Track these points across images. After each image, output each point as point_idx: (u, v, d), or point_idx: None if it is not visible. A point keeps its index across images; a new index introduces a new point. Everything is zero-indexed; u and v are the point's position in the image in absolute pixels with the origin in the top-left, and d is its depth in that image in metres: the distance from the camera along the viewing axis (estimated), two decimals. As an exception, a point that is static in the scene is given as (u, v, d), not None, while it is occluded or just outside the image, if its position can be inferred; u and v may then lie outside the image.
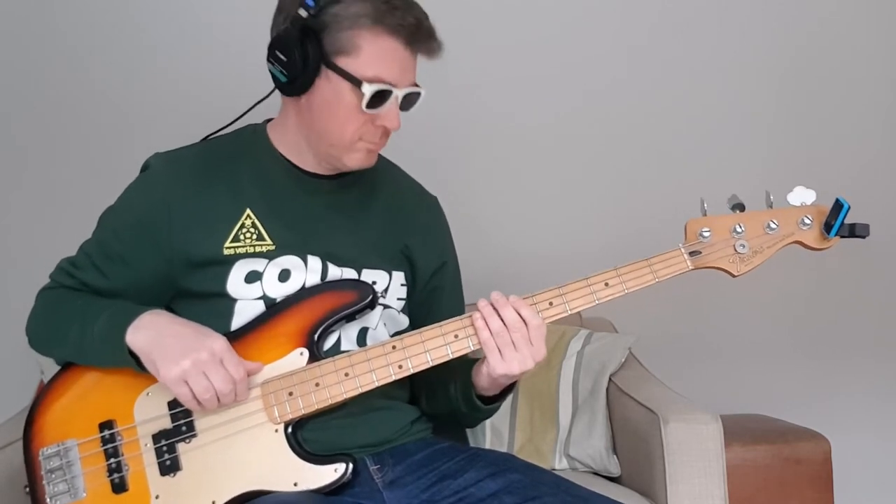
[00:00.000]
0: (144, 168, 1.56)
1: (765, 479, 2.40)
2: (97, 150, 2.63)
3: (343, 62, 1.42)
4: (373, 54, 1.42)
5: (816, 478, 2.43)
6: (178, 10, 2.62)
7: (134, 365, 1.38)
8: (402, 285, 1.61)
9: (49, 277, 1.56)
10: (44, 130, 2.65)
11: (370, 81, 1.41)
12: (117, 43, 2.65)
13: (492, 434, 2.10)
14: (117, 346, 1.37)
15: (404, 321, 1.62)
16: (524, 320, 1.39)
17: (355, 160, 1.49)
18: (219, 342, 1.36)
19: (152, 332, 1.37)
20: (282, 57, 1.44)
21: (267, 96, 1.56)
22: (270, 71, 1.48)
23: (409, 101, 1.48)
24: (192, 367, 1.33)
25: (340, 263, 1.52)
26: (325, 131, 1.48)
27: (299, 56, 1.42)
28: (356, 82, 1.41)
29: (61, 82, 2.64)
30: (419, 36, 1.44)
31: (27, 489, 1.41)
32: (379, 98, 1.43)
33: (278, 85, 1.49)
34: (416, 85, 1.49)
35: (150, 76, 2.65)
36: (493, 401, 1.55)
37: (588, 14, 2.82)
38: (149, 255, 1.48)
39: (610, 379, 2.14)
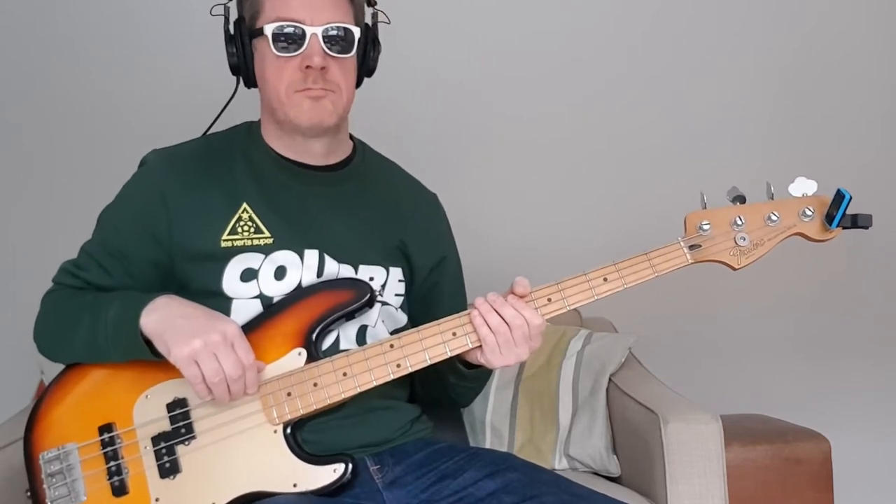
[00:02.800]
0: (142, 164, 1.58)
1: (765, 479, 2.39)
2: (99, 151, 2.64)
3: (258, 24, 1.49)
4: (272, 1, 1.48)
5: (816, 478, 2.42)
6: (177, 9, 2.63)
7: (146, 350, 1.37)
8: (400, 281, 1.61)
9: (52, 281, 1.56)
10: (45, 131, 2.65)
11: (271, 23, 1.46)
12: (117, 43, 2.66)
13: (492, 434, 2.10)
14: (131, 330, 1.37)
15: (402, 318, 1.62)
16: (525, 319, 1.38)
17: (303, 114, 1.49)
18: (231, 326, 1.36)
19: (165, 314, 1.37)
20: (230, 50, 1.55)
21: (234, 94, 1.62)
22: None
23: (339, 41, 1.48)
24: (203, 348, 1.32)
25: (338, 258, 1.52)
26: (269, 98, 1.52)
27: (233, 44, 1.54)
28: (261, 31, 1.47)
29: (62, 82, 2.64)
30: None
31: (28, 493, 1.41)
32: (288, 39, 1.46)
33: (242, 80, 1.59)
34: (342, 22, 1.49)
35: (151, 76, 2.66)
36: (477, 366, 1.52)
37: (587, 10, 2.84)
38: (149, 249, 1.49)
39: (610, 379, 2.13)
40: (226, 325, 1.37)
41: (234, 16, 1.57)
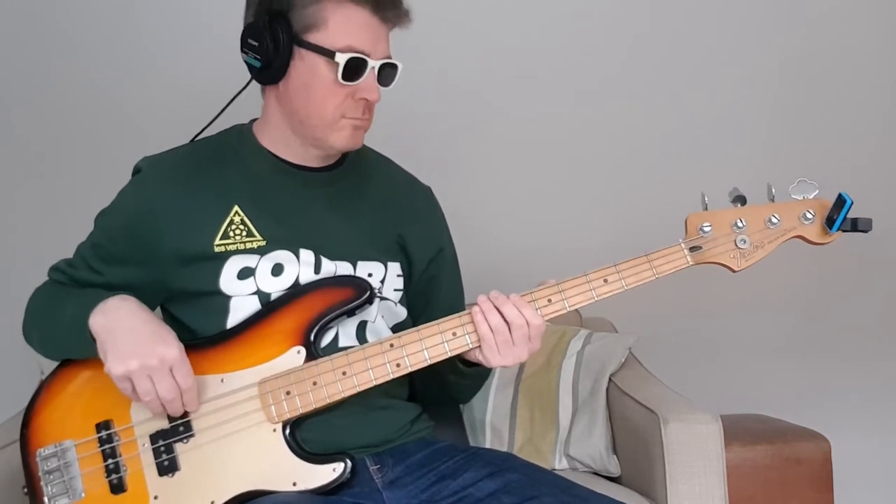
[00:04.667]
0: (135, 172, 1.58)
1: (765, 479, 2.40)
2: (99, 151, 2.63)
3: (314, 37, 1.44)
4: (341, 24, 1.43)
5: (816, 478, 2.43)
6: (178, 9, 2.63)
7: (94, 350, 1.37)
8: (399, 276, 1.61)
9: (47, 275, 1.57)
10: (46, 131, 2.65)
11: (342, 51, 1.43)
12: (117, 43, 2.65)
13: (492, 434, 2.10)
14: (81, 328, 1.37)
15: (402, 313, 1.62)
16: (526, 319, 1.38)
17: (342, 139, 1.49)
18: (172, 351, 1.35)
19: (111, 319, 1.37)
20: (254, 44, 1.48)
21: (245, 87, 1.58)
22: (246, 62, 1.51)
23: (386, 76, 1.49)
24: (139, 370, 1.33)
25: (334, 257, 1.52)
26: (307, 114, 1.49)
27: (270, 39, 1.45)
28: (330, 54, 1.43)
29: (62, 82, 2.64)
30: (384, 2, 1.46)
31: (25, 490, 1.41)
32: (354, 69, 1.44)
33: (255, 75, 1.52)
34: (391, 58, 1.50)
35: (151, 77, 2.65)
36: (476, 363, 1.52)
37: (586, 9, 2.83)
38: (140, 257, 1.49)
39: (610, 379, 2.13)
40: (167, 349, 1.35)
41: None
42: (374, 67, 1.45)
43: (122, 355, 1.33)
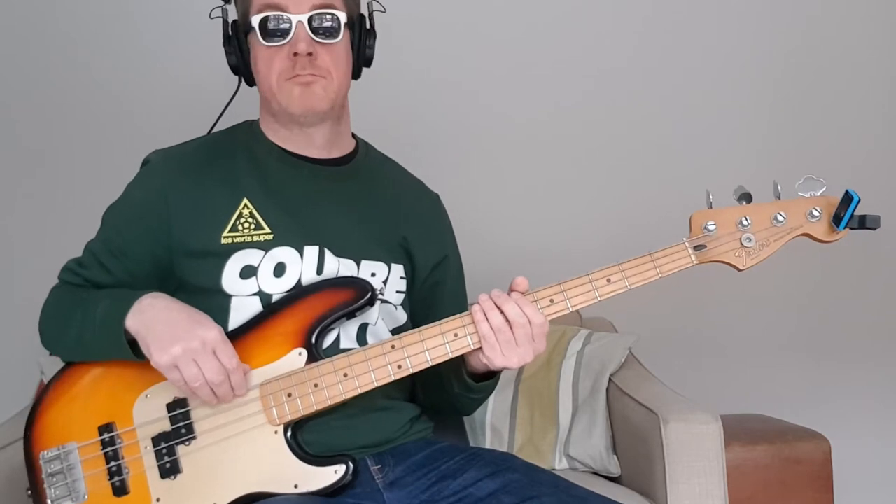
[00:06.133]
0: (144, 164, 1.59)
1: (765, 479, 2.40)
2: (99, 150, 2.64)
3: (248, 19, 1.51)
4: None
5: (816, 478, 2.43)
6: (178, 9, 2.64)
7: (129, 352, 1.38)
8: (402, 278, 1.61)
9: (58, 278, 1.57)
10: (47, 129, 2.65)
11: (256, 14, 1.48)
12: (119, 41, 2.65)
13: (492, 434, 2.10)
14: (116, 331, 1.37)
15: (402, 317, 1.61)
16: (528, 318, 1.37)
17: (295, 101, 1.50)
18: (212, 332, 1.36)
19: (149, 316, 1.37)
20: (225, 50, 1.58)
21: (235, 93, 1.65)
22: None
23: (322, 26, 1.49)
24: (183, 355, 1.33)
25: (339, 254, 1.52)
26: (264, 90, 1.54)
27: (228, 41, 1.57)
28: (250, 23, 1.49)
29: (64, 81, 2.64)
30: None
31: (29, 492, 1.41)
32: (275, 28, 1.47)
33: (243, 78, 1.61)
34: (324, 7, 1.49)
35: (153, 75, 2.66)
36: (485, 379, 1.53)
37: (586, 8, 2.83)
38: (149, 247, 1.50)
39: (610, 379, 2.13)
40: (206, 331, 1.36)
41: (232, 17, 1.58)
42: (301, 21, 1.47)
43: (164, 344, 1.33)
